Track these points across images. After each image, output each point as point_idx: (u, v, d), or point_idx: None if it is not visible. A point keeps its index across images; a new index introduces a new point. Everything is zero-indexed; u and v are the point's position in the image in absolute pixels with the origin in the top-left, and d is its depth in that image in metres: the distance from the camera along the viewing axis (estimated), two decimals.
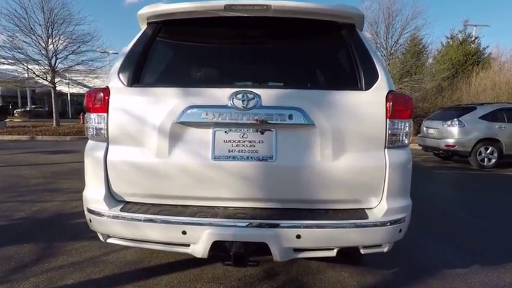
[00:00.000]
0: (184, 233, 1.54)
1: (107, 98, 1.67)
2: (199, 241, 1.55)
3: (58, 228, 3.11)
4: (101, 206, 1.67)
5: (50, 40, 16.19)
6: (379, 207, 1.66)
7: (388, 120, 1.61)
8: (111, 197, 1.71)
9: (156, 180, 1.65)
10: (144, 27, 1.87)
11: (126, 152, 1.66)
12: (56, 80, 17.08)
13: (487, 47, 21.06)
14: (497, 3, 39.45)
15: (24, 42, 15.89)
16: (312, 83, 1.82)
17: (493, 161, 7.57)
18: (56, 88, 17.29)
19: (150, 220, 1.57)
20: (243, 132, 1.62)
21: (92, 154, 1.71)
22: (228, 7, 1.67)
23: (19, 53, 15.70)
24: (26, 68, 16.45)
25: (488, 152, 7.56)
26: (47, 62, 16.32)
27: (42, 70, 16.42)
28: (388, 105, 1.61)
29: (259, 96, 1.59)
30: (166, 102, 1.63)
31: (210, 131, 1.62)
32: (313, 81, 1.88)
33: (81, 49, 16.74)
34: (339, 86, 1.69)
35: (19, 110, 32.94)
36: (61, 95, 25.67)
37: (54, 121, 17.32)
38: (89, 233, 2.90)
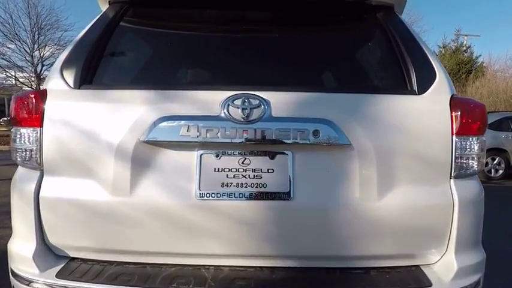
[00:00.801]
0: None
1: (41, 105, 1.13)
2: None
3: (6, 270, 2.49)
4: (29, 268, 1.11)
5: (36, 46, 15.54)
6: (442, 265, 1.14)
7: (454, 137, 1.11)
8: (47, 251, 1.15)
9: (113, 227, 1.10)
10: (104, 7, 1.35)
11: (68, 186, 1.11)
12: (42, 87, 16.32)
13: (480, 55, 21.17)
14: (487, 14, 40.28)
15: (8, 48, 15.23)
16: (342, 85, 1.30)
17: (501, 172, 7.21)
18: None
19: None
20: (243, 156, 1.09)
21: (20, 188, 1.16)
22: None
23: (2, 59, 15.04)
24: (9, 75, 15.74)
25: (495, 162, 7.18)
26: (31, 69, 15.63)
27: (27, 77, 15.70)
28: (453, 115, 1.11)
29: (267, 102, 1.07)
30: (128, 111, 1.10)
31: (194, 154, 1.09)
32: (345, 81, 1.36)
33: None
34: (382, 89, 1.18)
35: (5, 119, 31.71)
36: None
37: None
38: None
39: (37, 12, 15.25)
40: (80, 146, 1.11)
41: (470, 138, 1.13)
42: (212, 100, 1.08)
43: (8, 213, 3.76)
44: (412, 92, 1.15)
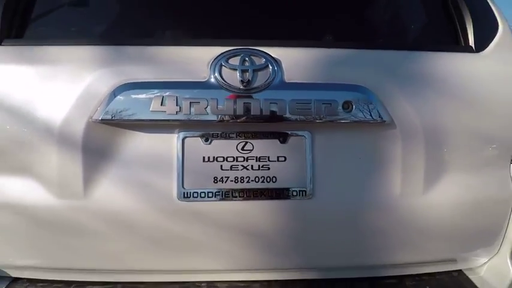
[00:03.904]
0: None
1: None
2: None
3: None
4: None
5: None
6: (491, 268, 0.92)
7: None
8: None
9: (65, 240, 0.80)
10: None
11: None
12: None
13: None
14: None
15: None
16: (381, 39, 0.97)
17: None
18: None
19: None
20: (243, 139, 0.79)
21: None
22: None
23: None
24: None
25: None
26: None
27: None
28: None
29: (277, 62, 0.75)
30: (72, 77, 0.75)
31: (174, 138, 0.78)
32: (384, 35, 1.01)
33: None
34: (429, 45, 0.88)
35: None
36: None
37: None
38: None
39: None
40: (3, 129, 0.76)
41: None
42: (197, 59, 0.76)
43: None
44: (468, 49, 0.86)
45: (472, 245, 0.91)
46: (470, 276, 0.92)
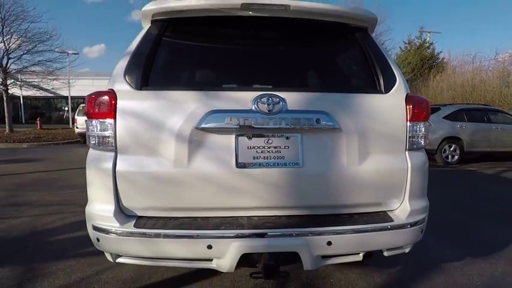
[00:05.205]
0: (209, 247, 1.43)
1: (113, 102, 1.51)
2: (225, 255, 1.45)
3: (34, 247, 2.79)
4: (111, 222, 1.50)
5: (0, 38, 14.68)
6: (400, 209, 1.67)
7: (408, 122, 1.63)
8: (122, 212, 1.55)
9: (174, 191, 1.52)
10: (147, 25, 1.73)
11: (138, 162, 1.51)
12: (8, 82, 15.54)
13: (441, 52, 22.85)
14: (447, 12, 43.43)
15: None
16: (334, 86, 1.79)
17: (456, 157, 8.10)
18: (9, 91, 15.73)
19: (172, 236, 1.44)
20: (268, 137, 1.54)
21: (98, 165, 1.53)
22: (245, 6, 1.59)
23: None
24: None
25: (451, 149, 8.09)
26: None
27: None
28: (407, 108, 1.64)
29: (284, 100, 1.53)
30: (183, 107, 1.51)
31: (233, 137, 1.53)
32: (335, 84, 1.85)
33: (37, 49, 15.44)
34: (360, 89, 1.68)
35: None
36: (13, 98, 23.35)
37: (6, 127, 15.75)
38: (73, 250, 2.66)
39: (0, 2, 14.38)
40: (146, 132, 1.50)
41: (419, 123, 1.66)
42: (246, 98, 1.52)
43: (11, 205, 4.01)
44: (380, 92, 1.67)
45: (389, 196, 1.67)
46: (390, 214, 1.67)
